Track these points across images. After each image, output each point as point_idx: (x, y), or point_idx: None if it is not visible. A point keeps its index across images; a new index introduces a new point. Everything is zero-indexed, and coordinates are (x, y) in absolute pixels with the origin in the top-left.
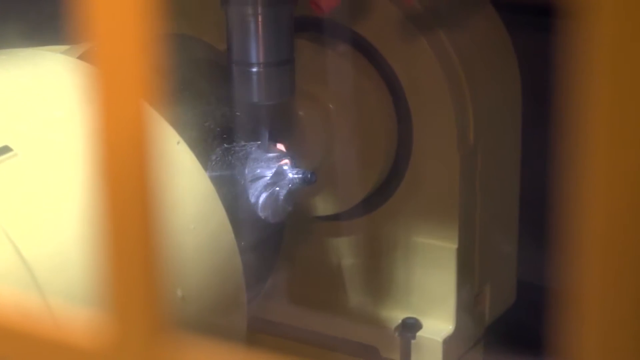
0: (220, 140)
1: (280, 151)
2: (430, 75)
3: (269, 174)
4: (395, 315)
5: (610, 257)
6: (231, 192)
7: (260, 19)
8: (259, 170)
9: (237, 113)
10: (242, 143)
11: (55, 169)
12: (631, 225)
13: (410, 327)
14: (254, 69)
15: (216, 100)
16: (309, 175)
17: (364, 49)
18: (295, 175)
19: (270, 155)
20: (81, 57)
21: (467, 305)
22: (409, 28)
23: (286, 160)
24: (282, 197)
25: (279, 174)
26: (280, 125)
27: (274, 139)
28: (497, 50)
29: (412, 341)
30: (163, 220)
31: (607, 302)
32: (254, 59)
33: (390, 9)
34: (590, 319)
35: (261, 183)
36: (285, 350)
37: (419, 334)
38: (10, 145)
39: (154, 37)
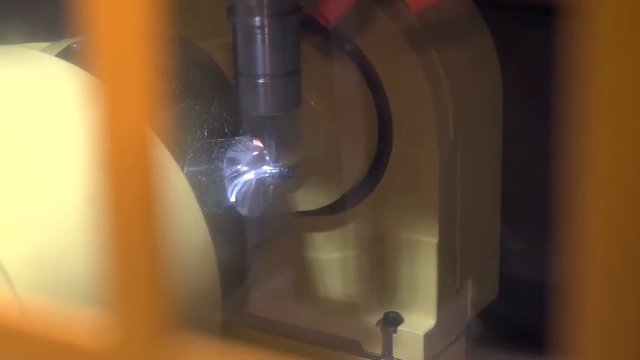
0: (199, 135)
1: (259, 147)
2: (410, 71)
3: (246, 169)
4: (377, 310)
5: (612, 254)
6: (209, 187)
7: (266, 30)
8: (237, 166)
9: (224, 113)
10: (221, 139)
11: (41, 167)
12: (632, 223)
13: (392, 321)
14: (261, 80)
15: (196, 96)
16: (286, 170)
17: (342, 44)
18: (273, 170)
19: (249, 150)
20: (61, 54)
21: (449, 300)
22: (387, 23)
23: (264, 155)
24: (260, 192)
25: (257, 169)
26: (285, 135)
27: (280, 148)
28: (478, 50)
29: (394, 335)
30: (166, 219)
31: (608, 300)
32: (260, 70)
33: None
34: (592, 316)
35: (239, 178)
36: (265, 344)
37: (401, 328)
38: None
39: (156, 37)
